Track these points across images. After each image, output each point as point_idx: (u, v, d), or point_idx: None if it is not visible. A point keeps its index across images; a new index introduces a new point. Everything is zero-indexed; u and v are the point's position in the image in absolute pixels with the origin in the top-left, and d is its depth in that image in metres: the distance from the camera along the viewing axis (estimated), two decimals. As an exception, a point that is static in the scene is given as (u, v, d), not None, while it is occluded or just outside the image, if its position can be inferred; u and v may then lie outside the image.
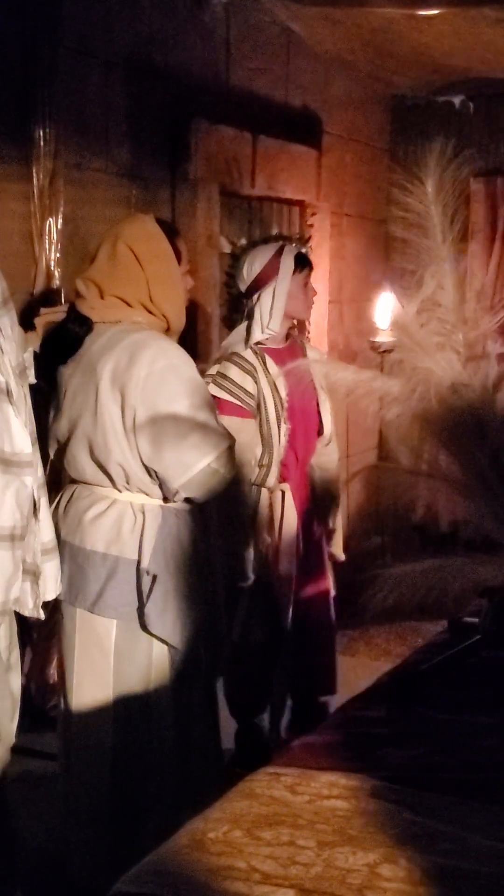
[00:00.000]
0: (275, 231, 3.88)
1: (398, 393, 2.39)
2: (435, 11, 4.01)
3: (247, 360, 3.28)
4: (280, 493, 3.35)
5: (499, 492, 2.23)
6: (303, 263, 3.36)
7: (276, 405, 3.28)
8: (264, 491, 3.32)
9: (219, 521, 2.85)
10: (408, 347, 2.35)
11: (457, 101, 5.61)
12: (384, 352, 3.91)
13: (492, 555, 2.31)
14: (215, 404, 2.76)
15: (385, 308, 4.08)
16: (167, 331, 2.67)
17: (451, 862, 1.56)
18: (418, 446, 2.44)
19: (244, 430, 3.11)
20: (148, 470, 2.55)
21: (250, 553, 3.26)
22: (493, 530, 2.28)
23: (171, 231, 2.76)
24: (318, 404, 3.46)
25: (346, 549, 3.69)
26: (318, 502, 3.52)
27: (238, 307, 3.42)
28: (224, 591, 2.90)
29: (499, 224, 5.63)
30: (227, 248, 3.69)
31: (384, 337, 4.06)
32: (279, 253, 3.31)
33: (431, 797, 1.78)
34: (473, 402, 2.23)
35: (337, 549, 3.63)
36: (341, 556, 3.64)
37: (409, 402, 2.33)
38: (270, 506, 3.34)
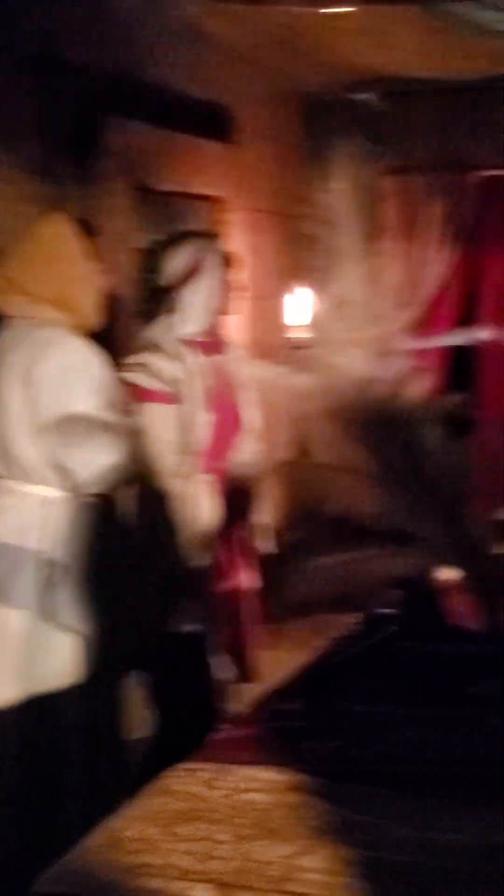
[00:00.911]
0: (188, 226, 3.88)
1: (310, 389, 2.41)
2: (344, 9, 4.04)
3: (167, 350, 3.30)
4: (201, 484, 3.36)
5: (409, 484, 2.27)
6: (223, 260, 3.39)
7: (196, 394, 3.30)
8: (186, 481, 3.33)
9: (148, 512, 2.86)
10: (319, 344, 2.37)
11: (368, 98, 5.66)
12: (298, 348, 3.94)
13: (405, 546, 2.34)
14: (125, 400, 2.76)
15: (298, 304, 4.11)
16: (80, 328, 2.66)
17: (369, 852, 1.58)
18: (332, 441, 2.47)
19: (164, 417, 3.12)
20: (55, 465, 2.55)
21: (184, 540, 3.28)
22: (405, 522, 2.32)
23: (87, 228, 2.76)
24: (239, 399, 3.48)
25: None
26: (241, 496, 3.53)
27: (156, 302, 3.42)
28: (155, 582, 2.90)
29: (411, 221, 5.69)
30: (141, 244, 3.68)
31: (298, 333, 4.10)
32: (203, 249, 3.35)
33: (349, 788, 1.80)
34: (385, 396, 2.26)
35: (267, 541, 3.65)
36: (270, 548, 3.65)
37: (321, 397, 2.35)
38: (191, 496, 3.36)
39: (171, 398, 3.26)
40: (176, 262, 3.33)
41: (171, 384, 3.26)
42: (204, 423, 3.31)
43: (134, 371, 3.21)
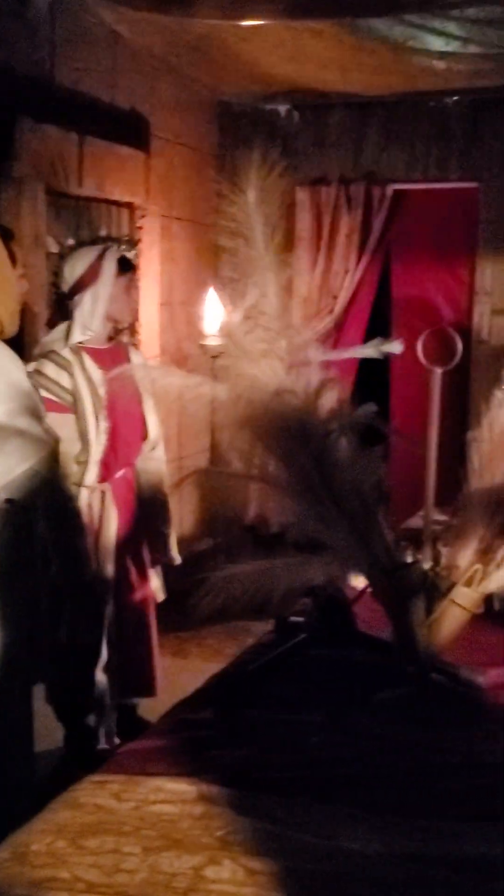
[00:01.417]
0: (103, 232, 3.86)
1: (225, 398, 2.42)
2: (259, 22, 4.07)
3: (63, 358, 3.28)
4: (100, 493, 3.34)
5: (322, 494, 2.28)
6: (125, 267, 3.37)
7: (93, 402, 3.28)
8: (84, 490, 3.31)
9: (51, 520, 2.83)
10: (233, 354, 2.38)
11: (282, 109, 5.71)
12: (214, 356, 3.94)
13: (316, 555, 2.36)
14: (42, 406, 2.73)
15: (213, 312, 4.11)
16: (-1, 333, 2.63)
17: (276, 860, 1.59)
18: (247, 450, 2.48)
19: (62, 426, 3.09)
20: None
21: (85, 549, 3.25)
22: (316, 531, 2.34)
23: (4, 233, 2.72)
24: (142, 407, 3.47)
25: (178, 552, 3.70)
26: (144, 506, 3.52)
27: (62, 307, 3.40)
28: (51, 592, 2.87)
29: (324, 233, 5.75)
30: (55, 248, 3.65)
31: (213, 340, 4.09)
32: (101, 256, 3.33)
33: (257, 797, 1.81)
34: (297, 407, 2.28)
35: (172, 551, 3.64)
36: (177, 559, 3.65)
37: (235, 407, 2.36)
38: (90, 505, 3.33)
39: (65, 408, 3.23)
40: (74, 268, 3.31)
41: (64, 394, 3.24)
42: (102, 432, 3.29)
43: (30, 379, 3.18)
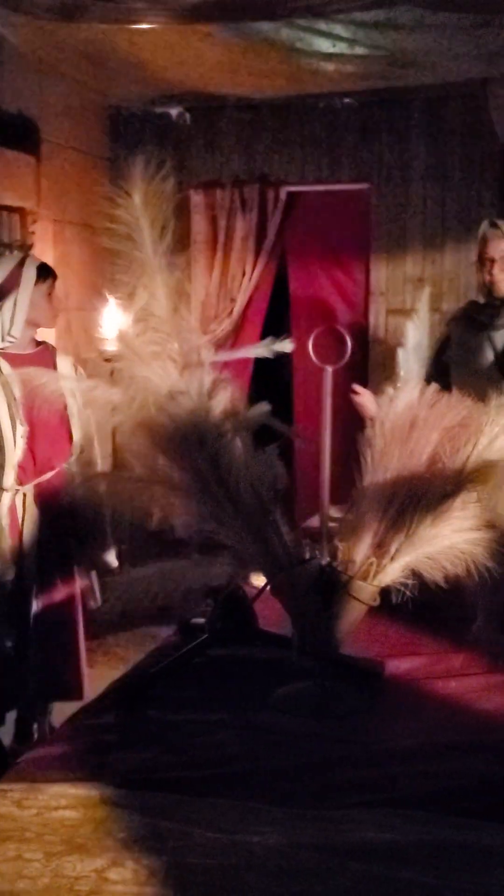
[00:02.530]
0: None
1: (119, 402, 2.42)
2: (147, 26, 4.07)
3: None
4: (22, 496, 3.32)
5: (218, 495, 2.30)
6: (45, 273, 3.39)
7: (9, 406, 3.26)
8: (6, 493, 3.29)
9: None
10: (126, 357, 2.38)
11: (174, 112, 5.72)
12: (107, 359, 3.93)
13: (215, 556, 2.38)
14: None
15: (109, 317, 4.10)
16: None
17: (178, 858, 1.60)
18: (145, 453, 2.48)
19: None
20: None
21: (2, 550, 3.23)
22: (214, 532, 2.36)
23: None
24: (63, 411, 3.45)
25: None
26: (79, 510, 3.50)
27: None
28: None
29: (219, 235, 5.77)
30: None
31: (110, 346, 4.08)
32: (21, 263, 3.34)
33: (159, 797, 1.82)
34: (190, 409, 2.29)
35: (108, 556, 3.62)
36: (113, 563, 3.62)
37: (129, 410, 2.36)
38: (13, 508, 3.31)
39: None
40: None
41: None
42: (20, 437, 3.27)
43: None
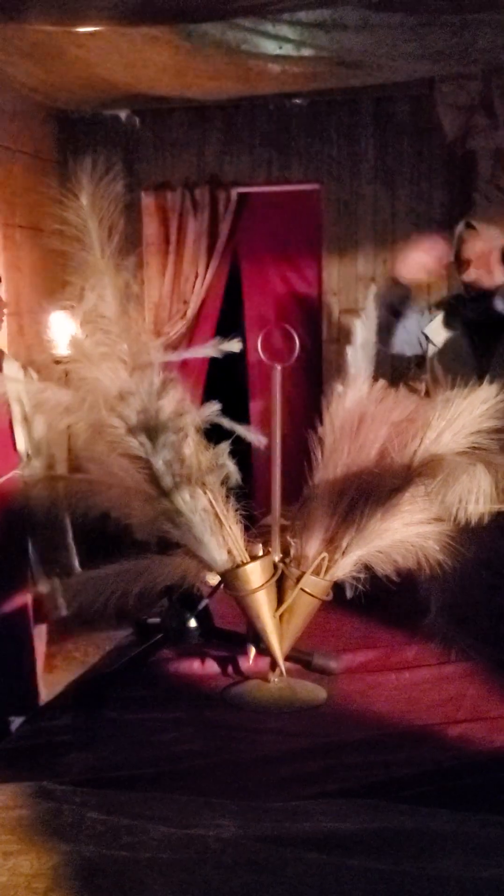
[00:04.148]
0: None
1: (70, 403, 2.42)
2: (92, 28, 4.08)
3: None
4: None
5: (170, 493, 2.31)
6: None
7: None
8: None
9: None
10: (76, 359, 2.39)
11: (122, 115, 5.72)
12: (56, 361, 3.94)
13: (169, 555, 2.39)
14: None
15: (59, 320, 4.10)
16: None
17: (132, 853, 1.61)
18: (99, 455, 2.49)
19: None
20: None
21: None
22: (168, 531, 2.37)
23: None
24: (9, 416, 3.44)
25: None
26: (31, 517, 3.49)
27: None
28: None
29: (171, 237, 5.78)
30: None
31: (60, 348, 4.09)
32: None
33: (115, 794, 1.82)
34: (141, 409, 2.30)
35: (72, 561, 3.61)
36: (77, 568, 3.61)
37: (80, 411, 2.37)
38: None
39: None
40: None
41: None
42: None
43: None
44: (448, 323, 3.67)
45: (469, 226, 3.57)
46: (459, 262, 3.56)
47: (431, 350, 3.69)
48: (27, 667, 3.55)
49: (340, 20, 4.14)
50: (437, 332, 3.70)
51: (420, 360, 3.77)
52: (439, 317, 3.72)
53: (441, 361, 3.61)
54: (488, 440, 2.22)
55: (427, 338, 3.70)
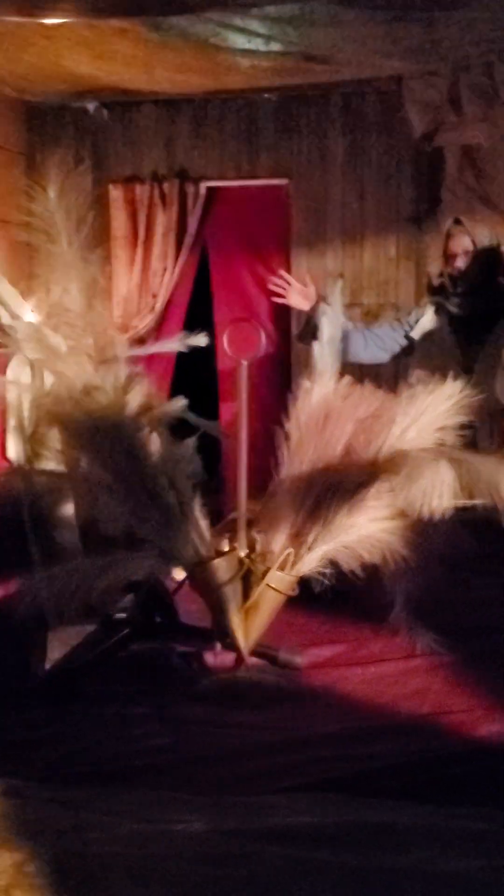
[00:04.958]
0: None
1: (36, 397, 2.41)
2: (60, 20, 4.05)
3: None
4: None
5: (136, 488, 2.31)
6: None
7: None
8: None
9: None
10: (42, 351, 2.38)
11: (91, 107, 5.69)
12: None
13: (134, 550, 2.38)
14: None
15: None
16: None
17: (98, 849, 1.61)
18: (61, 449, 2.48)
19: None
20: None
21: None
22: (133, 526, 2.36)
23: None
24: None
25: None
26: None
27: None
28: None
29: (139, 231, 5.76)
30: None
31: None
32: None
33: (82, 790, 1.82)
34: (106, 403, 2.29)
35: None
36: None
37: (44, 405, 2.36)
38: None
39: None
40: None
41: None
42: None
43: None
44: (434, 320, 3.72)
45: (457, 222, 3.70)
46: (446, 257, 3.67)
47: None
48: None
49: (309, 15, 4.14)
50: (424, 328, 3.76)
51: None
52: (427, 314, 3.78)
53: (427, 358, 3.65)
54: (453, 436, 2.23)
55: (407, 337, 3.78)
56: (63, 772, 1.92)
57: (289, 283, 3.89)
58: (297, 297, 3.89)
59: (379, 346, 3.83)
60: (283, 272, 4.04)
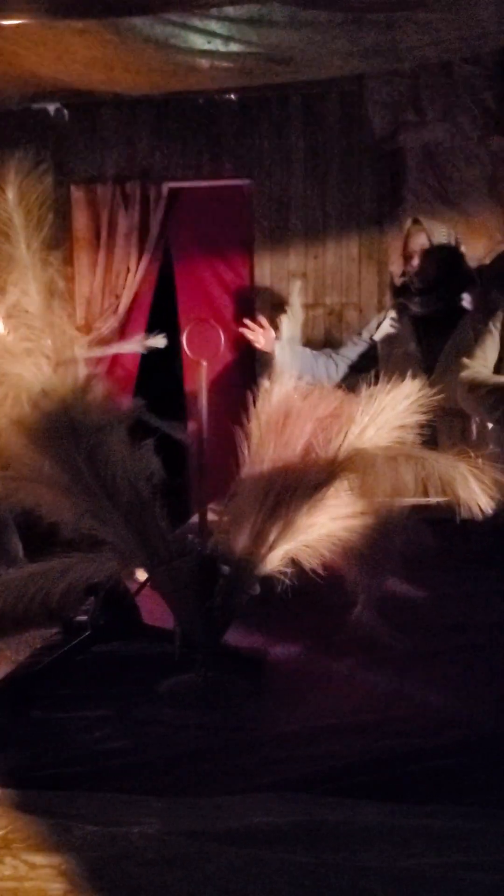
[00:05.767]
0: None
1: (-7, 400, 2.39)
2: (18, 21, 4.03)
3: None
4: None
5: (96, 489, 2.30)
6: None
7: None
8: None
9: None
10: (-1, 354, 2.36)
11: (51, 108, 5.67)
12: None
13: (94, 552, 2.37)
14: None
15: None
16: None
17: (58, 852, 1.60)
18: (19, 451, 2.46)
19: None
20: None
21: None
22: (93, 528, 2.35)
23: None
24: None
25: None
26: None
27: None
28: None
29: (102, 232, 5.75)
30: None
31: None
32: None
33: (39, 795, 1.81)
34: (65, 405, 2.28)
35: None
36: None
37: (2, 408, 2.34)
38: None
39: None
40: None
41: None
42: None
43: None
44: (396, 320, 3.76)
45: (416, 222, 3.72)
46: (405, 256, 3.69)
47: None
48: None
49: (269, 16, 4.15)
50: (386, 331, 3.80)
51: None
52: (389, 316, 3.82)
53: (388, 359, 3.69)
54: (412, 435, 2.25)
55: (372, 342, 3.83)
56: (20, 776, 1.91)
57: (261, 326, 3.95)
58: (262, 339, 3.95)
59: (349, 365, 3.90)
60: (248, 320, 4.08)
